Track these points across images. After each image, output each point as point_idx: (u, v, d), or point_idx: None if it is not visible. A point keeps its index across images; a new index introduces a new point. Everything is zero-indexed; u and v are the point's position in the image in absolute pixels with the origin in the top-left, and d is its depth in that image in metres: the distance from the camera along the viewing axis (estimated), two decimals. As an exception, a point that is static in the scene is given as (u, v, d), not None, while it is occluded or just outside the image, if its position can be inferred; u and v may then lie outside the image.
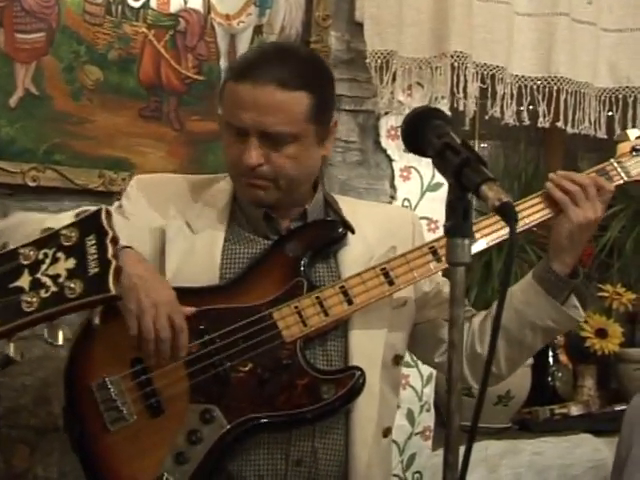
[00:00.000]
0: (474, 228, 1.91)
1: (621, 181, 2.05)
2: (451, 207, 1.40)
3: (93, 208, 1.84)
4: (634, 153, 2.07)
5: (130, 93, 2.75)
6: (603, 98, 3.26)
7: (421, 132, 1.51)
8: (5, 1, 2.58)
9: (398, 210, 2.72)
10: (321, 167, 2.09)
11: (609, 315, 3.54)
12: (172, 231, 1.98)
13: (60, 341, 1.30)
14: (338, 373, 1.90)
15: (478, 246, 1.95)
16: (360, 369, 1.88)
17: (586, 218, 1.94)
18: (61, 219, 1.87)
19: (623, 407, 2.92)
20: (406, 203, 3.08)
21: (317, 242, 1.97)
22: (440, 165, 1.46)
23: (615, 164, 2.06)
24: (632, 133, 2.13)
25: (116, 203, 2.09)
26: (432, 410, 3.09)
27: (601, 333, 3.48)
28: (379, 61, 2.93)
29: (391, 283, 1.93)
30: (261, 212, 1.97)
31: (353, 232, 1.98)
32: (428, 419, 3.08)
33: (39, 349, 2.65)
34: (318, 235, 1.99)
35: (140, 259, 1.87)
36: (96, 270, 1.18)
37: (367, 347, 1.93)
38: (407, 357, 2.34)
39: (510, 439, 3.23)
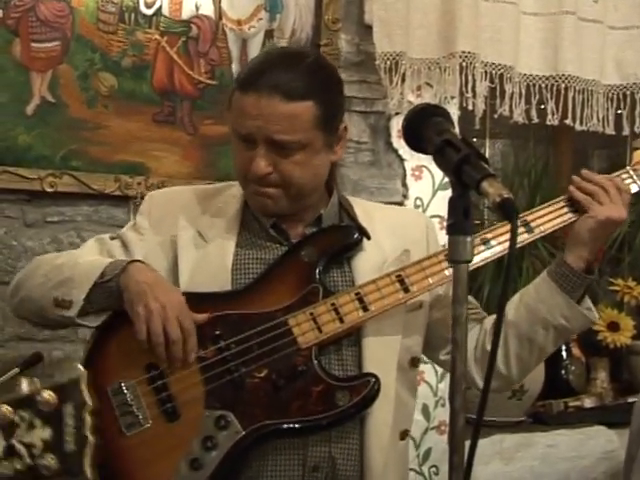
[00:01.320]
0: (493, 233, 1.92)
1: (637, 188, 2.01)
2: (452, 205, 1.36)
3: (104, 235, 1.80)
4: None
5: (144, 99, 2.74)
6: (611, 95, 3.24)
7: (421, 129, 1.47)
8: (21, 12, 2.59)
9: (412, 213, 2.67)
10: (334, 170, 2.04)
11: (620, 308, 3.52)
12: (184, 241, 1.93)
13: None
14: (353, 380, 1.84)
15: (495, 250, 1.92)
16: (375, 376, 1.83)
17: (609, 217, 1.90)
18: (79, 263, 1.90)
19: (636, 399, 2.87)
20: (418, 202, 3.06)
21: (332, 248, 1.91)
22: (441, 162, 1.42)
23: (631, 172, 2.02)
24: None
25: (130, 222, 2.07)
26: (447, 405, 3.05)
27: (613, 326, 3.46)
28: (388, 63, 2.91)
29: (406, 290, 1.87)
30: (270, 221, 1.93)
31: (369, 238, 1.93)
32: (443, 414, 3.05)
33: (60, 351, 2.66)
34: (333, 241, 1.92)
35: (148, 268, 1.85)
36: (72, 448, 1.15)
37: (381, 353, 1.87)
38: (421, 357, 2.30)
39: (524, 432, 3.21)
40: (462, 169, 1.35)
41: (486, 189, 1.30)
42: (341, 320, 1.84)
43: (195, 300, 1.83)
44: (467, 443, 1.39)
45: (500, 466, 3.10)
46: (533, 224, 1.94)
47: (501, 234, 1.93)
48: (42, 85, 2.62)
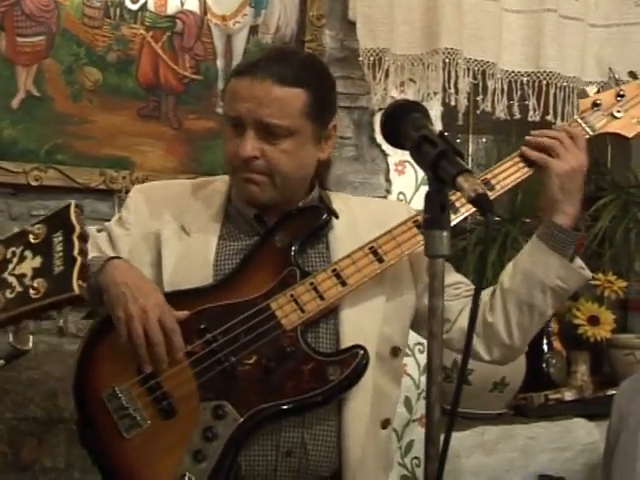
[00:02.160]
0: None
1: (587, 136, 2.04)
2: (429, 200, 1.37)
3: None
4: (595, 108, 2.07)
5: (129, 93, 2.73)
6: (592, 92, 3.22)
7: (399, 125, 1.48)
8: (6, 6, 2.58)
9: (392, 203, 2.71)
10: (321, 170, 2.04)
11: (601, 303, 3.52)
12: (167, 234, 1.96)
13: (29, 346, 1.24)
14: (342, 354, 1.87)
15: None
16: (363, 347, 1.86)
17: (570, 167, 1.92)
18: None
19: (615, 392, 2.88)
20: (401, 196, 3.06)
21: (303, 230, 1.94)
22: (418, 158, 1.43)
23: (579, 120, 2.06)
24: (590, 90, 2.15)
25: (116, 215, 2.09)
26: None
27: (593, 320, 3.46)
28: (372, 59, 2.90)
29: (381, 260, 1.90)
30: (252, 212, 1.95)
31: (337, 217, 1.96)
32: (424, 407, 3.04)
33: (45, 344, 2.66)
34: (304, 223, 1.95)
35: (128, 267, 1.87)
36: (61, 269, 1.12)
37: (358, 341, 1.88)
38: (405, 347, 2.30)
39: (506, 424, 3.21)
40: (438, 164, 1.36)
41: (461, 184, 1.31)
42: (321, 297, 1.87)
43: (176, 298, 1.84)
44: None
45: (482, 458, 3.10)
46: (494, 181, 1.98)
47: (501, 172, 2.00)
48: (27, 79, 2.61)
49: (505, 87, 3.09)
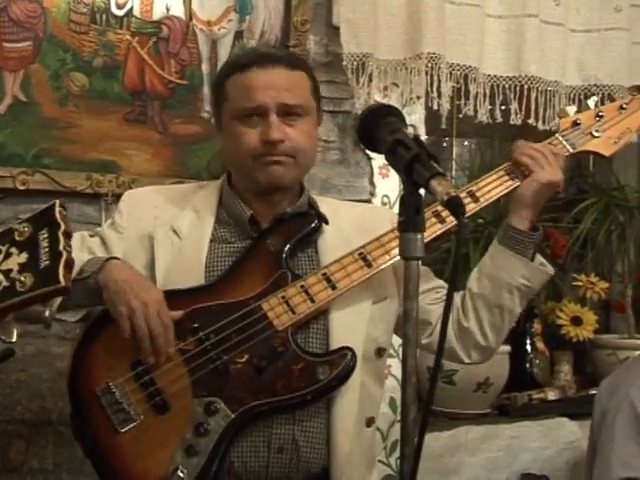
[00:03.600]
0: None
1: (567, 153, 2.10)
2: (404, 203, 1.38)
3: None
4: (575, 127, 2.13)
5: (115, 98, 2.72)
6: (572, 96, 3.24)
7: (375, 129, 1.48)
8: None
9: (378, 209, 2.74)
10: None
11: (583, 303, 3.53)
12: (159, 237, 1.98)
13: (14, 338, 1.25)
14: (331, 355, 1.90)
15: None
16: (351, 349, 1.89)
17: (550, 180, 1.99)
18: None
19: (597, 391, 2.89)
20: (385, 200, 3.06)
21: (295, 234, 1.97)
22: (392, 161, 1.44)
23: (560, 138, 2.12)
24: (571, 109, 2.20)
25: (109, 220, 2.11)
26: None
27: (576, 321, 3.47)
28: (355, 63, 2.90)
29: (369, 265, 1.93)
30: (247, 215, 1.98)
31: (327, 223, 2.00)
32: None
33: (32, 346, 2.66)
34: (295, 228, 1.98)
35: (126, 266, 1.90)
36: (47, 263, 1.14)
37: (347, 341, 1.91)
38: (389, 348, 2.30)
39: (489, 424, 3.21)
40: (413, 168, 1.36)
41: (435, 187, 1.32)
42: (312, 300, 1.90)
43: (171, 297, 1.86)
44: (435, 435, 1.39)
45: (466, 457, 3.11)
46: (478, 194, 2.03)
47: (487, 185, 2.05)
48: (14, 84, 2.60)
49: (487, 91, 3.10)
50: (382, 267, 1.93)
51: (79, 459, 2.63)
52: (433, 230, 1.95)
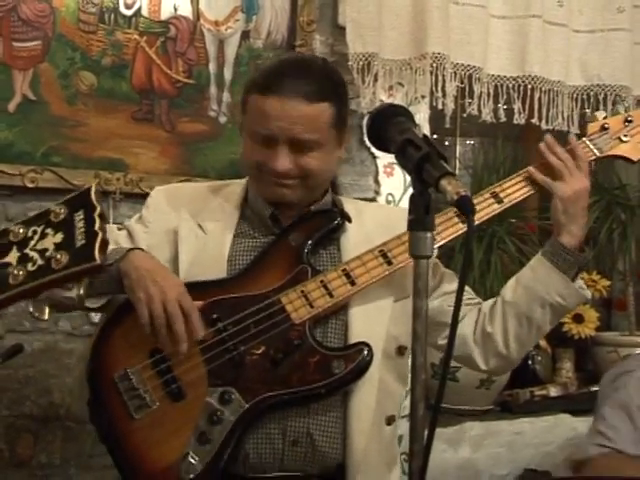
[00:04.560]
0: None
1: (594, 157, 2.08)
2: (413, 202, 1.37)
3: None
4: (603, 132, 2.11)
5: (123, 97, 2.74)
6: (575, 96, 3.25)
7: (384, 129, 1.48)
8: (2, 11, 2.58)
9: (399, 210, 2.71)
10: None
11: (585, 301, 3.50)
12: (184, 232, 1.99)
13: (46, 316, 1.26)
14: (347, 349, 1.89)
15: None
16: (368, 345, 1.87)
17: (573, 191, 1.96)
18: None
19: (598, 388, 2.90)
20: (389, 198, 3.06)
21: (317, 231, 1.97)
22: (402, 161, 1.43)
23: (587, 142, 2.09)
24: (600, 114, 2.17)
25: (137, 215, 2.11)
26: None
27: (578, 318, 3.48)
28: (361, 63, 2.91)
29: (389, 263, 1.92)
30: (269, 212, 1.98)
31: (350, 221, 2.00)
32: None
33: (41, 342, 2.67)
34: (317, 225, 1.98)
35: (148, 256, 1.91)
36: (83, 242, 1.15)
37: (366, 338, 1.90)
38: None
39: (492, 420, 3.22)
40: (422, 167, 1.36)
41: (445, 187, 1.31)
42: (330, 295, 1.89)
43: (192, 289, 1.87)
44: (438, 431, 1.39)
45: (469, 453, 3.12)
46: (502, 194, 2.01)
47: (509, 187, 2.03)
48: (24, 83, 2.61)
49: (491, 91, 3.10)
50: (402, 265, 1.92)
51: (87, 454, 2.70)
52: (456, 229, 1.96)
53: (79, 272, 1.15)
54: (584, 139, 2.09)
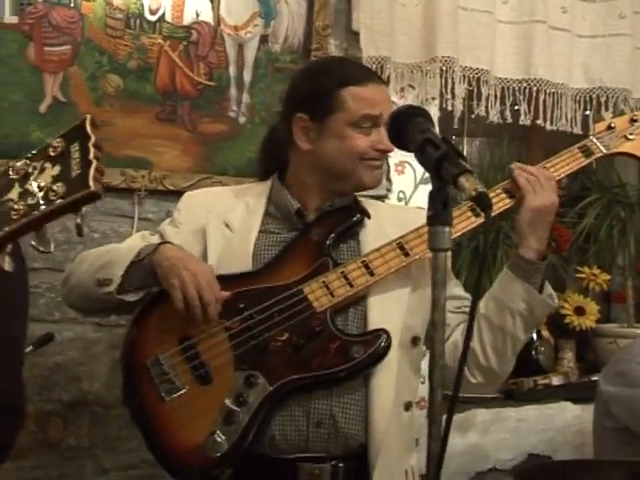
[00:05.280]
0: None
1: (601, 154, 2.09)
2: (432, 198, 1.39)
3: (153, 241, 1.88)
4: (609, 130, 2.12)
5: (147, 98, 2.75)
6: (578, 98, 3.26)
7: (404, 129, 1.50)
8: (34, 18, 2.59)
9: (417, 211, 2.71)
10: None
11: (586, 294, 3.55)
12: (212, 230, 2.03)
13: (51, 248, 1.24)
14: (366, 335, 1.91)
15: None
16: (386, 331, 1.90)
17: (542, 203, 1.95)
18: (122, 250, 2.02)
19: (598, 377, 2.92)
20: (401, 195, 3.07)
21: (338, 225, 2.00)
22: (421, 159, 1.45)
23: (595, 140, 2.10)
24: (607, 115, 2.21)
25: (169, 219, 2.15)
26: (427, 382, 3.06)
27: (579, 311, 3.49)
28: (374, 66, 2.91)
29: (407, 254, 1.94)
30: (294, 208, 2.01)
31: (369, 217, 2.03)
32: (423, 390, 3.04)
33: (70, 332, 2.69)
34: (338, 220, 2.01)
35: (178, 248, 1.95)
36: (78, 172, 1.13)
37: (383, 326, 1.92)
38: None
39: (498, 407, 3.23)
40: (441, 165, 1.38)
41: (463, 184, 1.34)
42: (350, 285, 1.92)
43: (220, 281, 1.90)
44: (444, 417, 1.42)
45: (475, 438, 3.14)
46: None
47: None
48: (54, 85, 2.62)
49: (498, 93, 3.12)
50: (418, 256, 1.94)
51: (113, 437, 2.72)
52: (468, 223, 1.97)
53: (76, 201, 1.12)
54: (591, 137, 2.10)
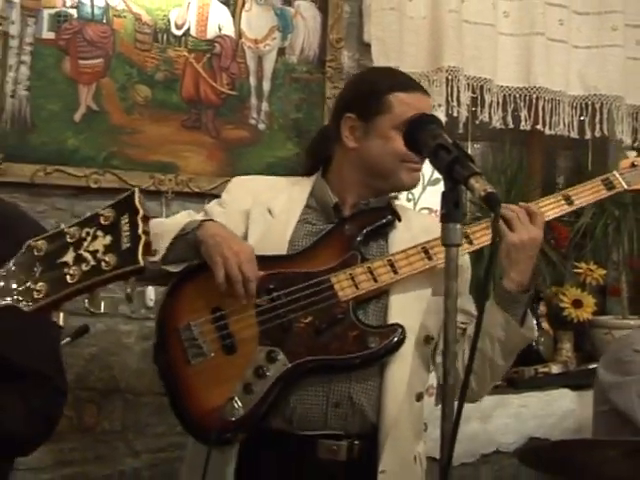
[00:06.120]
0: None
1: (622, 189, 2.09)
2: (444, 198, 1.42)
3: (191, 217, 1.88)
4: (632, 168, 2.12)
5: (174, 107, 2.79)
6: (575, 104, 3.29)
7: (419, 135, 1.54)
8: (70, 34, 2.63)
9: None
10: None
11: (583, 288, 3.56)
12: (255, 214, 2.04)
13: (102, 309, 1.28)
14: (383, 328, 1.93)
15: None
16: (402, 326, 1.91)
17: (520, 239, 1.91)
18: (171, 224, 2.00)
19: (595, 365, 2.95)
20: (410, 196, 3.08)
21: (370, 224, 2.01)
22: (435, 162, 1.48)
23: (617, 175, 2.10)
24: (631, 154, 2.20)
25: (217, 199, 2.15)
26: (434, 372, 3.10)
27: (577, 303, 3.51)
28: (384, 76, 2.94)
29: (430, 258, 1.95)
30: (332, 202, 2.03)
31: (400, 219, 2.04)
32: (431, 378, 3.08)
33: (103, 324, 2.71)
34: (371, 219, 2.03)
35: (221, 225, 1.95)
36: (128, 245, 1.16)
37: (403, 322, 1.93)
38: (438, 339, 2.27)
39: (500, 394, 3.24)
40: (453, 168, 1.42)
41: (473, 185, 1.38)
42: (375, 280, 1.94)
43: (257, 261, 1.91)
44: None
45: (479, 423, 3.15)
46: (472, 237, 1.98)
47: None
48: (88, 96, 2.66)
49: (500, 100, 3.14)
50: (441, 262, 1.84)
51: (143, 422, 2.75)
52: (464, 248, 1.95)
53: (125, 273, 1.15)
54: (614, 172, 2.10)
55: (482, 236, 1.98)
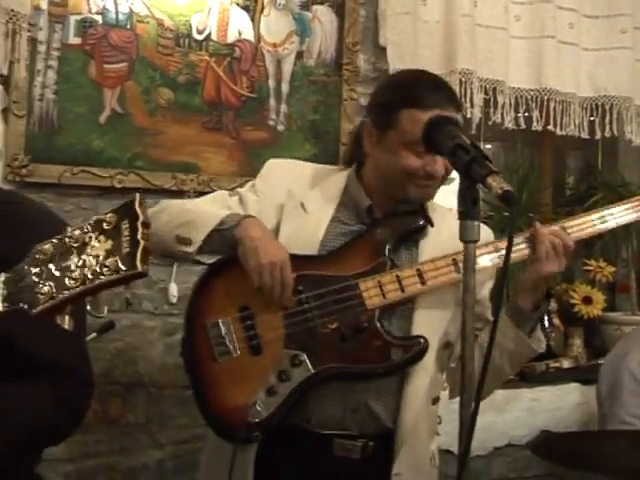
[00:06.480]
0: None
1: None
2: (462, 196, 1.44)
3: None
4: None
5: (196, 109, 2.80)
6: (585, 105, 3.29)
7: (437, 136, 1.56)
8: (95, 39, 2.66)
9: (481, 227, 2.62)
10: None
11: (593, 285, 3.56)
12: (288, 208, 1.99)
13: (104, 312, 1.27)
14: (407, 340, 1.91)
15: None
16: (425, 338, 1.89)
17: (551, 271, 1.93)
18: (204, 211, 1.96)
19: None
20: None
21: (402, 229, 1.97)
22: (453, 162, 1.51)
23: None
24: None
25: (250, 183, 2.10)
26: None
27: (587, 300, 3.50)
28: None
29: (458, 271, 1.91)
30: (366, 204, 1.98)
31: (432, 225, 1.98)
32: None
33: (128, 320, 2.73)
34: (403, 224, 1.97)
35: (260, 224, 1.91)
36: (127, 250, 1.15)
37: (425, 332, 1.92)
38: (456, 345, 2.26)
39: (513, 388, 3.24)
40: (471, 167, 1.43)
41: (490, 183, 1.40)
42: (402, 290, 1.90)
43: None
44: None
45: (493, 416, 3.15)
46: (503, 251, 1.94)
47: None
48: (112, 99, 2.69)
49: (512, 101, 3.14)
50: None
51: (167, 415, 2.76)
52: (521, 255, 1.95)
53: (124, 278, 1.15)
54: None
55: (515, 251, 1.91)
